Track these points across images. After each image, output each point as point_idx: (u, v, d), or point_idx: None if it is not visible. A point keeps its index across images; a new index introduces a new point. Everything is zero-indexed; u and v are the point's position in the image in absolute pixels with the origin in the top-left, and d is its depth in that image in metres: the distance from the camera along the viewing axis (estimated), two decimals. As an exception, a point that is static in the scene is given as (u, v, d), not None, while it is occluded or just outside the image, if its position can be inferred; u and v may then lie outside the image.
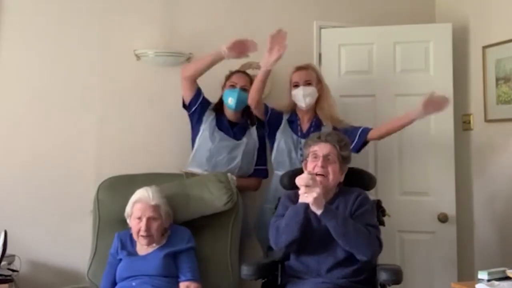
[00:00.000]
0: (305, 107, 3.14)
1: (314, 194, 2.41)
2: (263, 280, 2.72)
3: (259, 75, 3.01)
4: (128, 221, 2.71)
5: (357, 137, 3.10)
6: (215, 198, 2.85)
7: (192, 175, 3.04)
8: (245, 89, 3.15)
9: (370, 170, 3.12)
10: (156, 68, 3.31)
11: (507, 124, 3.31)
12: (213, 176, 2.93)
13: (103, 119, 3.24)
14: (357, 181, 2.81)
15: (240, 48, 2.98)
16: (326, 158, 2.64)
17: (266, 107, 3.18)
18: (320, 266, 2.57)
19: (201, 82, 3.17)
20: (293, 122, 3.20)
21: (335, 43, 3.60)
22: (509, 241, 3.30)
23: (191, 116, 3.19)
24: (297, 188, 2.80)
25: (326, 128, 3.11)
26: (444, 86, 3.48)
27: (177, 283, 2.62)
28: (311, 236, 2.49)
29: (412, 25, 3.60)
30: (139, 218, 2.63)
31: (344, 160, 2.68)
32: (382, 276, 2.53)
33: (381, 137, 3.15)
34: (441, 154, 3.48)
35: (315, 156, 2.66)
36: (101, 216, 2.90)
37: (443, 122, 3.48)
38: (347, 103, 3.53)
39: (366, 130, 3.12)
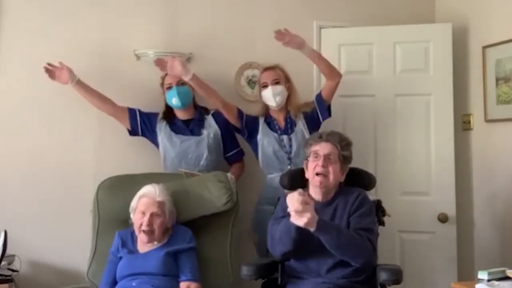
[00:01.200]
0: (276, 107, 3.17)
1: (305, 219, 2.33)
2: (263, 280, 2.72)
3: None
4: (132, 216, 2.71)
5: (317, 107, 3.18)
6: (215, 198, 2.86)
7: (192, 175, 3.04)
8: (182, 84, 3.13)
9: (370, 170, 3.11)
10: (156, 68, 3.29)
11: (507, 124, 3.31)
12: (213, 176, 2.93)
13: (103, 119, 3.24)
14: (357, 181, 2.81)
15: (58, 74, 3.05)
16: (327, 157, 2.63)
17: (239, 111, 3.20)
18: (320, 266, 2.56)
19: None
20: (270, 123, 3.22)
21: (335, 43, 3.60)
22: (509, 241, 3.30)
23: (144, 136, 3.19)
24: (297, 188, 2.82)
25: (298, 122, 3.17)
26: (444, 86, 3.49)
27: (177, 282, 2.62)
28: (310, 236, 2.48)
29: (412, 25, 3.60)
30: (143, 213, 2.64)
31: (345, 160, 2.68)
32: (382, 276, 2.53)
33: (331, 79, 3.13)
34: (441, 154, 3.48)
35: (316, 156, 2.66)
36: (101, 216, 2.89)
37: (443, 122, 3.49)
38: (347, 103, 3.53)
39: (318, 96, 3.20)
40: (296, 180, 2.82)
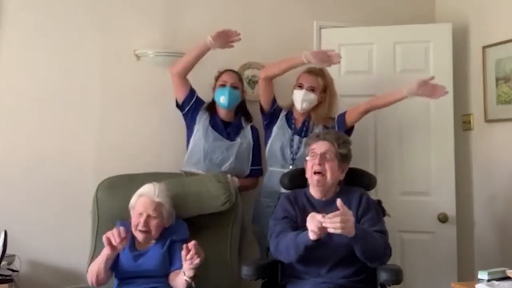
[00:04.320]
0: (300, 111, 3.17)
1: (346, 230, 2.33)
2: (263, 280, 2.72)
3: (296, 59, 3.05)
4: (131, 213, 2.70)
5: (337, 126, 3.15)
6: (213, 198, 2.86)
7: (192, 174, 3.04)
8: (235, 87, 3.17)
9: (370, 170, 3.12)
10: (156, 68, 3.30)
11: (507, 124, 3.31)
12: (212, 176, 2.94)
13: (103, 119, 3.24)
14: (357, 181, 2.82)
15: (225, 38, 3.02)
16: (323, 156, 2.65)
17: (274, 98, 3.21)
18: (321, 266, 2.57)
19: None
20: (289, 120, 3.22)
21: (335, 43, 3.58)
22: (509, 241, 3.30)
23: (185, 115, 3.20)
24: (296, 188, 2.82)
25: (315, 129, 3.15)
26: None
27: None
28: (316, 249, 2.48)
29: (412, 25, 3.60)
30: (140, 214, 2.63)
31: (343, 158, 2.68)
32: (382, 276, 2.53)
33: (368, 111, 3.15)
34: (441, 154, 3.48)
35: (314, 154, 2.67)
36: (100, 216, 2.89)
37: (443, 122, 3.48)
38: (347, 103, 3.51)
39: (341, 117, 3.16)
40: (297, 180, 2.83)
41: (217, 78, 3.23)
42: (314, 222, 2.30)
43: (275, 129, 3.20)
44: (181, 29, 3.38)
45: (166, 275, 2.60)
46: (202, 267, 2.64)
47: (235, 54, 3.44)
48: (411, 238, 3.48)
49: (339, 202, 2.35)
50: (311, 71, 3.17)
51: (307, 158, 2.71)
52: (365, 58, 3.57)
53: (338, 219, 2.30)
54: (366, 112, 3.15)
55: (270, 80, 3.16)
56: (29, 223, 3.09)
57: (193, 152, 3.16)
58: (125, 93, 3.28)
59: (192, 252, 2.41)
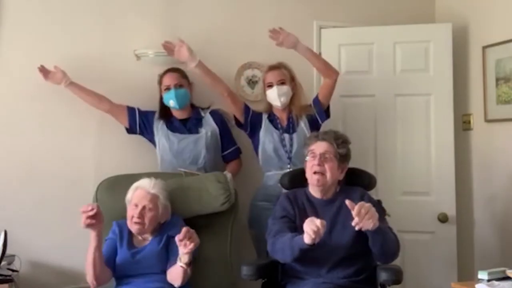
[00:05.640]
0: (281, 106, 3.17)
1: (371, 224, 2.32)
2: (263, 280, 2.72)
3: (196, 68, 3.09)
4: (127, 207, 2.70)
5: (315, 110, 3.17)
6: (213, 198, 2.86)
7: (192, 174, 3.04)
8: (180, 86, 3.14)
9: (370, 170, 3.11)
10: (156, 68, 3.30)
11: (507, 124, 3.31)
12: (212, 176, 2.94)
13: (103, 119, 3.24)
14: (357, 181, 2.81)
15: (46, 73, 3.06)
16: (323, 156, 2.65)
17: (246, 105, 3.21)
18: (321, 266, 2.56)
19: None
20: (273, 121, 3.22)
21: (335, 43, 3.60)
22: (509, 241, 3.30)
23: (141, 135, 3.20)
24: (296, 187, 2.82)
25: (300, 122, 3.17)
26: (444, 86, 3.49)
27: None
28: (311, 251, 2.48)
29: (412, 25, 3.60)
30: (136, 205, 2.63)
31: (342, 157, 2.68)
32: (382, 276, 2.53)
33: (328, 77, 3.14)
34: (441, 154, 3.48)
35: (313, 155, 2.67)
36: (101, 216, 2.89)
37: (443, 122, 3.49)
38: (347, 103, 3.54)
39: (316, 99, 3.19)
40: (297, 180, 2.83)
41: (160, 83, 3.20)
42: (311, 226, 2.28)
43: (261, 133, 3.18)
44: (181, 29, 3.37)
45: (164, 272, 2.59)
46: (202, 266, 2.65)
47: (235, 54, 3.45)
48: (411, 238, 3.47)
49: (348, 202, 2.33)
50: (272, 67, 3.20)
51: (307, 158, 2.71)
52: (365, 58, 3.57)
53: (363, 212, 2.30)
54: (326, 80, 3.15)
55: (231, 93, 3.19)
56: (29, 223, 3.08)
57: (163, 160, 3.15)
58: (125, 93, 3.28)
59: (185, 237, 2.40)
